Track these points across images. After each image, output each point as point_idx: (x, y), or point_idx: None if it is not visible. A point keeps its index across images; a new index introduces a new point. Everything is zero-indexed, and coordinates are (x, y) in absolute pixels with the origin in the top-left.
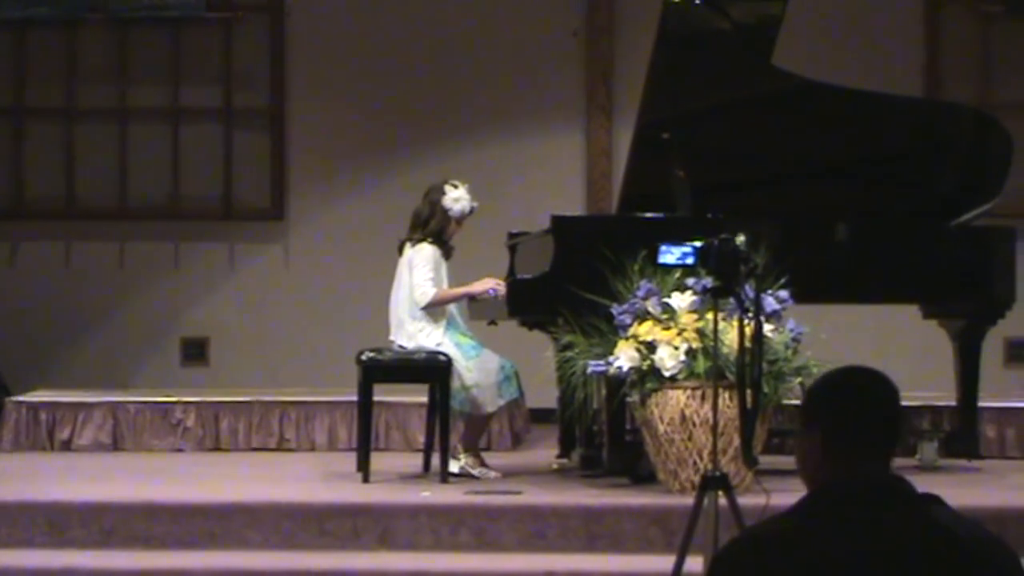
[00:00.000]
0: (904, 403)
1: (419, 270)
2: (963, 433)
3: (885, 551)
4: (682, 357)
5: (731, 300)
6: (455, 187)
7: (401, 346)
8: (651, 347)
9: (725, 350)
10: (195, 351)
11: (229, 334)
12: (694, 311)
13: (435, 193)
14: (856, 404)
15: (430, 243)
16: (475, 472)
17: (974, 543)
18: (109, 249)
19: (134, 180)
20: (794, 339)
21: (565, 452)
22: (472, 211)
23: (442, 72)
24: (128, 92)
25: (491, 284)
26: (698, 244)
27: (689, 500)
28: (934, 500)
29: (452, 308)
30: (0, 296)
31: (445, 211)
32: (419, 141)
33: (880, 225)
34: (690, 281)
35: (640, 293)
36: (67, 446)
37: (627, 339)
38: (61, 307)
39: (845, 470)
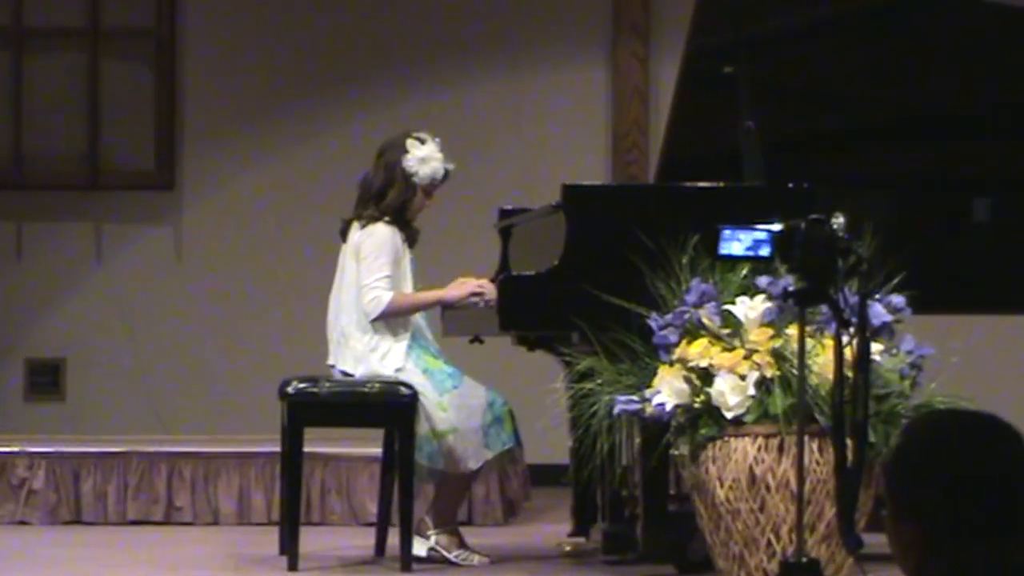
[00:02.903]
0: None
1: (370, 263)
2: None
3: None
4: (751, 391)
5: (823, 308)
6: (421, 142)
7: (345, 372)
8: (706, 376)
9: (814, 380)
10: (45, 379)
11: (94, 354)
12: (769, 324)
13: (394, 151)
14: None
15: (387, 224)
16: (451, 556)
17: None
18: None
19: None
20: (913, 365)
21: (581, 528)
22: (446, 176)
23: None
24: None
25: (473, 286)
26: (776, 227)
27: None
28: None
29: (419, 318)
30: None
31: (408, 176)
32: (369, 78)
33: None
34: (763, 281)
35: (690, 298)
36: None
37: (672, 364)
38: None
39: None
